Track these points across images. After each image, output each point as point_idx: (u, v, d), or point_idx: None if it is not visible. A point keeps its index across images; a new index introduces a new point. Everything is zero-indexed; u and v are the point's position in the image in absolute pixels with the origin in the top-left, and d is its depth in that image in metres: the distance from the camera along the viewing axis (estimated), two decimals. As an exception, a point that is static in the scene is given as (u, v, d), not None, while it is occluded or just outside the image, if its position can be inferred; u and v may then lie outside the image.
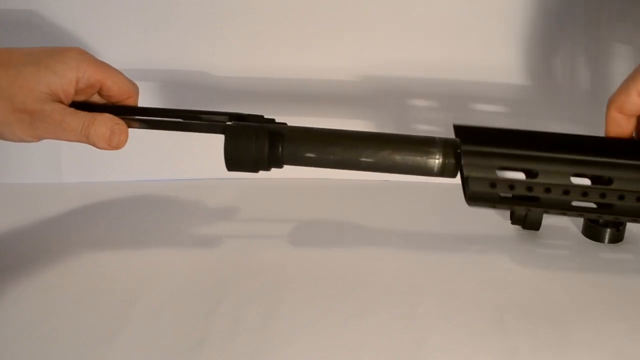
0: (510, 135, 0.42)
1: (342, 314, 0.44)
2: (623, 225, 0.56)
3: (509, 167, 0.41)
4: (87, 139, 0.43)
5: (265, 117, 0.46)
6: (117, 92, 0.46)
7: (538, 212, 0.44)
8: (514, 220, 0.57)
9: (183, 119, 0.45)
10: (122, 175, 0.69)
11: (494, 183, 0.41)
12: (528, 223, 0.56)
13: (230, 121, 0.44)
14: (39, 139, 0.44)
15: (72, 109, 0.43)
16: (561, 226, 0.58)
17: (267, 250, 0.53)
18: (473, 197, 0.41)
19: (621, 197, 0.40)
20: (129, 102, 0.47)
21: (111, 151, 0.67)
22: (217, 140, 0.68)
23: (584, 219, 0.57)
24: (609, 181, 0.40)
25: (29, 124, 0.42)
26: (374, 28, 0.65)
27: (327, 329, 0.42)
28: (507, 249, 0.54)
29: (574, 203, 0.41)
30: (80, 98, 0.46)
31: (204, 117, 0.45)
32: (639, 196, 0.40)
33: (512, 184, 0.41)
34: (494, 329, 0.42)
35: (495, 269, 0.50)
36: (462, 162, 0.41)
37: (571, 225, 0.59)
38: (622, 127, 0.43)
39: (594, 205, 0.42)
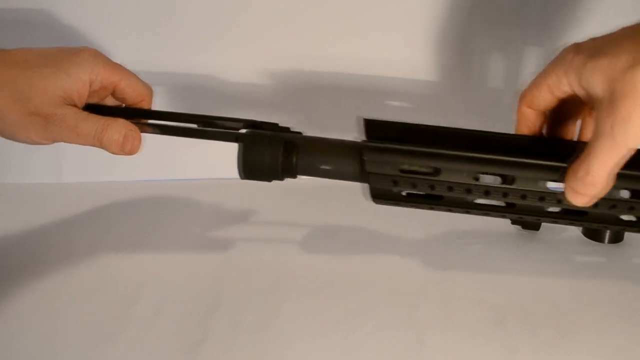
0: (417, 132, 0.42)
1: (342, 314, 0.44)
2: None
3: (412, 164, 0.40)
4: (100, 144, 0.43)
5: (280, 125, 0.45)
6: (130, 95, 0.46)
7: (442, 210, 0.42)
8: (514, 220, 0.57)
9: (197, 124, 0.45)
10: (122, 175, 0.69)
11: (396, 180, 0.40)
12: (528, 223, 0.56)
13: (244, 128, 0.43)
14: (53, 141, 0.43)
15: (85, 113, 0.43)
16: (561, 226, 0.58)
17: (267, 250, 0.53)
18: (376, 195, 0.41)
19: (524, 197, 0.40)
20: (143, 104, 0.47)
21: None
22: (217, 141, 0.69)
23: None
24: (512, 180, 0.39)
25: (43, 127, 0.42)
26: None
27: (327, 329, 0.42)
28: (507, 249, 0.54)
29: (479, 201, 0.41)
30: (94, 100, 0.46)
31: (218, 122, 0.45)
32: (542, 196, 0.40)
33: (414, 181, 0.40)
34: (494, 329, 0.42)
35: (495, 269, 0.50)
36: (364, 158, 0.40)
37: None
38: (532, 123, 0.42)
39: (500, 204, 0.41)
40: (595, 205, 0.39)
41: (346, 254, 0.53)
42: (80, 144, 0.43)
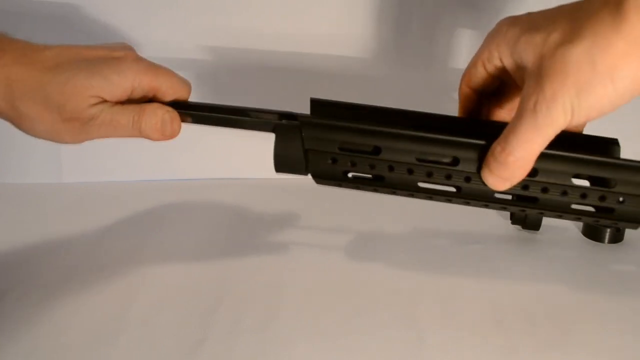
0: (361, 111, 0.41)
1: (342, 314, 0.44)
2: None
3: (351, 142, 0.39)
4: (140, 133, 0.42)
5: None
6: (172, 96, 0.44)
7: (386, 192, 0.41)
8: (514, 220, 0.57)
9: (230, 115, 0.44)
10: (122, 175, 0.69)
11: (335, 158, 0.40)
12: (528, 223, 0.56)
13: (280, 120, 0.42)
14: (90, 139, 0.42)
15: (119, 106, 0.41)
16: (561, 226, 0.58)
17: (267, 250, 0.53)
18: (315, 174, 0.40)
19: (467, 179, 0.38)
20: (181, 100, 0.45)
21: (112, 151, 0.68)
22: (217, 141, 0.69)
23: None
24: (456, 161, 0.38)
25: (79, 129, 0.41)
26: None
27: (327, 329, 0.42)
28: (507, 249, 0.54)
29: (423, 185, 0.40)
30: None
31: (252, 114, 0.43)
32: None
33: (353, 160, 0.39)
34: (494, 329, 0.42)
35: (495, 269, 0.50)
36: (302, 134, 0.40)
37: (571, 225, 0.59)
38: (472, 104, 0.41)
39: (449, 188, 0.40)
40: (545, 190, 0.38)
41: (346, 254, 0.53)
42: (120, 137, 0.42)
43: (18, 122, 0.41)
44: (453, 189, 0.39)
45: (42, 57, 0.40)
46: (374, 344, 0.40)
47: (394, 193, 0.41)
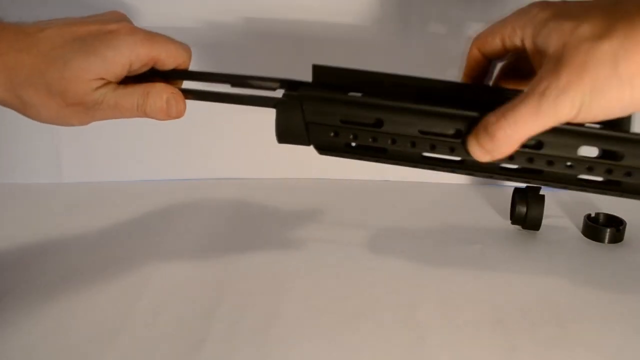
0: (364, 79, 0.40)
1: (342, 314, 0.44)
2: (623, 225, 0.56)
3: (352, 114, 0.39)
4: (145, 115, 0.41)
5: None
6: (171, 64, 0.43)
7: (389, 163, 0.40)
8: (514, 220, 0.57)
9: (230, 84, 0.43)
10: (122, 175, 0.69)
11: (336, 131, 0.39)
12: (528, 223, 0.56)
13: (281, 87, 0.42)
14: (96, 120, 0.42)
15: (123, 88, 0.41)
16: (561, 226, 0.58)
17: (267, 250, 0.53)
18: (318, 146, 0.40)
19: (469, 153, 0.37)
20: (182, 67, 0.44)
21: (112, 151, 0.68)
22: (217, 141, 0.69)
23: (584, 219, 0.57)
24: (459, 134, 0.37)
25: (84, 113, 0.40)
26: None
27: (327, 330, 0.42)
28: (507, 249, 0.54)
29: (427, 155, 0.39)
30: (131, 75, 0.43)
31: (253, 82, 0.42)
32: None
33: (355, 132, 0.39)
34: (494, 329, 0.42)
35: (495, 269, 0.50)
36: (303, 107, 0.39)
37: (571, 225, 0.59)
38: (479, 67, 0.40)
39: (453, 158, 0.39)
40: (551, 163, 0.37)
41: (346, 254, 0.53)
42: (126, 118, 0.42)
43: (23, 110, 0.40)
44: (458, 159, 0.38)
45: (36, 40, 0.39)
46: (374, 344, 0.40)
47: (397, 164, 0.40)
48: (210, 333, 0.41)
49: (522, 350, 0.40)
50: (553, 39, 0.33)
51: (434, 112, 0.37)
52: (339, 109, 0.39)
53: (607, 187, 0.38)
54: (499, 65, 0.42)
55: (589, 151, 0.37)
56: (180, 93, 0.42)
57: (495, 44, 0.38)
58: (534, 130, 0.33)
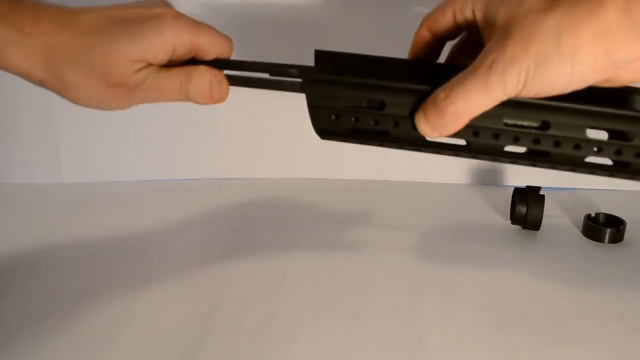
0: (366, 63, 0.40)
1: (342, 314, 0.44)
2: (623, 225, 0.56)
3: (354, 97, 0.38)
4: (188, 98, 0.41)
5: None
6: (213, 54, 0.42)
7: (392, 147, 0.40)
8: (514, 220, 0.57)
9: (270, 73, 0.42)
10: (122, 175, 0.69)
11: (338, 114, 0.39)
12: (528, 223, 0.56)
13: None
14: (135, 104, 0.41)
15: (165, 70, 0.40)
16: (561, 226, 0.58)
17: (267, 250, 0.53)
18: (320, 130, 0.40)
19: (476, 133, 0.37)
20: (222, 57, 0.43)
21: (112, 151, 0.68)
22: (218, 141, 0.69)
23: (584, 219, 0.57)
24: None
25: (126, 96, 0.40)
26: None
27: (326, 329, 0.42)
28: (507, 249, 0.54)
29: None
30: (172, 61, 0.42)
31: (291, 71, 0.42)
32: (496, 132, 0.37)
33: (357, 115, 0.39)
34: (494, 329, 0.42)
35: (495, 269, 0.50)
36: (305, 90, 0.39)
37: (571, 225, 0.59)
38: (425, 48, 0.40)
39: (458, 141, 0.38)
40: (558, 144, 0.36)
41: (346, 254, 0.53)
42: (167, 102, 0.41)
43: (63, 91, 0.39)
44: (462, 142, 0.38)
45: (79, 21, 0.38)
46: (374, 344, 0.40)
47: (400, 147, 0.40)
48: (210, 333, 0.41)
49: (522, 350, 0.40)
50: (501, 11, 0.33)
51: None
52: (341, 91, 0.39)
53: (615, 170, 0.37)
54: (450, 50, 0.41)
55: (598, 135, 0.36)
56: (223, 76, 0.42)
57: (446, 20, 0.38)
58: (484, 105, 0.33)
